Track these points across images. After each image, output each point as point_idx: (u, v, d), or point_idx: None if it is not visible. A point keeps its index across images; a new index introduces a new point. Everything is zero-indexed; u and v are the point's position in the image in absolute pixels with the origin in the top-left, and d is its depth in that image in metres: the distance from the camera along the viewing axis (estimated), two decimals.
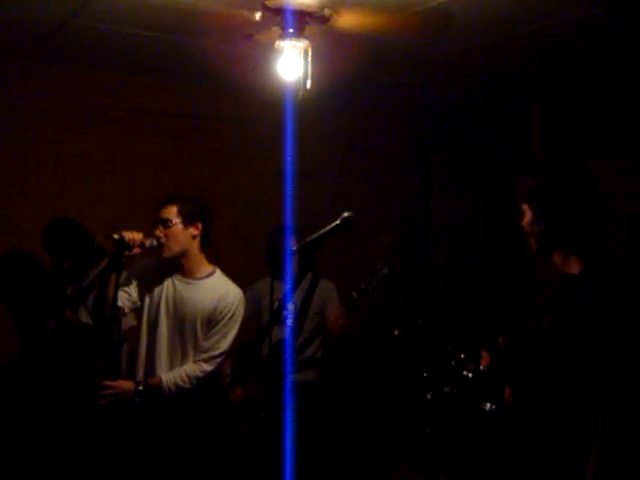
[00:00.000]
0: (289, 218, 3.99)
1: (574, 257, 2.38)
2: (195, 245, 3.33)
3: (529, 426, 2.43)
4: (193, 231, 3.29)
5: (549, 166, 2.46)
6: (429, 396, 4.19)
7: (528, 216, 2.43)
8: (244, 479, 3.59)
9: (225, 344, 3.28)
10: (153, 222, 3.28)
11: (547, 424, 2.37)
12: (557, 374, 2.29)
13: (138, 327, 3.43)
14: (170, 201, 3.30)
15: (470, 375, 4.03)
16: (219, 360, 3.28)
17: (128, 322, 4.08)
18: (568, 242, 2.38)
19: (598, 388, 2.23)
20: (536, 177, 2.43)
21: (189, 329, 3.29)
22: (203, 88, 5.37)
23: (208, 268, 3.39)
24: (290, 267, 3.05)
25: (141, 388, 3.20)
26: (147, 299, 3.37)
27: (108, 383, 3.16)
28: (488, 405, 3.91)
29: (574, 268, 2.38)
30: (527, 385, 2.41)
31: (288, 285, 3.17)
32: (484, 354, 2.56)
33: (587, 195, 2.37)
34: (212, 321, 3.27)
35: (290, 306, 3.79)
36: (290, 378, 3.72)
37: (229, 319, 3.29)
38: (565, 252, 2.39)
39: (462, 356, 4.14)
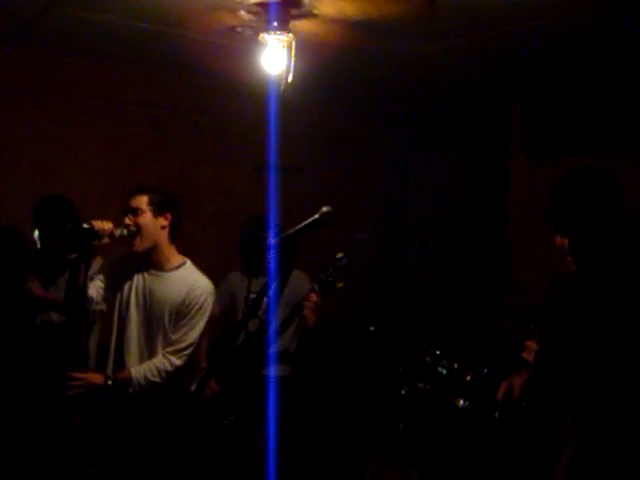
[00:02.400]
0: (268, 211, 3.99)
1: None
2: (164, 237, 3.31)
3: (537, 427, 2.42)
4: (162, 221, 3.28)
5: (565, 185, 2.45)
6: (403, 392, 4.23)
7: (558, 239, 2.41)
8: (217, 474, 3.59)
9: (193, 336, 3.26)
10: (122, 211, 3.29)
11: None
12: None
13: (110, 320, 3.40)
14: (140, 191, 3.30)
15: (444, 372, 4.09)
16: (187, 353, 3.25)
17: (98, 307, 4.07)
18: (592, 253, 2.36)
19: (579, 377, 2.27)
20: (555, 197, 2.42)
21: (157, 322, 3.27)
22: (185, 79, 5.34)
23: (178, 259, 3.37)
24: (271, 261, 3.04)
25: (110, 382, 3.18)
26: (118, 292, 3.35)
27: (77, 375, 3.14)
28: (462, 401, 3.96)
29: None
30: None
31: (267, 279, 3.15)
32: (531, 343, 2.51)
33: (607, 207, 2.37)
34: (180, 313, 3.25)
35: (266, 300, 3.76)
36: (263, 372, 3.71)
37: (197, 311, 3.26)
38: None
39: (437, 352, 4.20)
